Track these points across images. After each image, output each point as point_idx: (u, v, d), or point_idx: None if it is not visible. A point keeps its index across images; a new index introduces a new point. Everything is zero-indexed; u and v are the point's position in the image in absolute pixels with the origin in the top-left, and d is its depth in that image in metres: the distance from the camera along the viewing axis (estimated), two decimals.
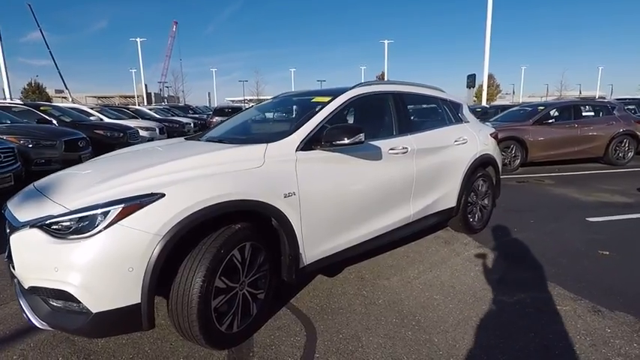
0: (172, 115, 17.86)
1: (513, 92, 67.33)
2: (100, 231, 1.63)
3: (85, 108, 11.79)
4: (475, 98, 25.66)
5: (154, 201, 1.72)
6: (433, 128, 3.38)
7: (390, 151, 2.78)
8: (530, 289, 2.63)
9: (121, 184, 1.81)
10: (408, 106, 3.25)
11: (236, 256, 1.96)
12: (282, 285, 2.30)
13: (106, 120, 11.25)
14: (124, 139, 9.07)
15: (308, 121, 2.43)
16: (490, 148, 3.82)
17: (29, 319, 1.75)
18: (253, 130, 3.10)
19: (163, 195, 1.75)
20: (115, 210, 1.67)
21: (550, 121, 7.83)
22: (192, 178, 1.89)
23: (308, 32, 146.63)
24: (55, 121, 8.67)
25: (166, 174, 1.90)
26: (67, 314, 1.70)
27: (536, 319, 2.26)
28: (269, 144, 2.23)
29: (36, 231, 1.69)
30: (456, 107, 3.73)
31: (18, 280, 1.84)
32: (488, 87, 23.07)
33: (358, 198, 2.54)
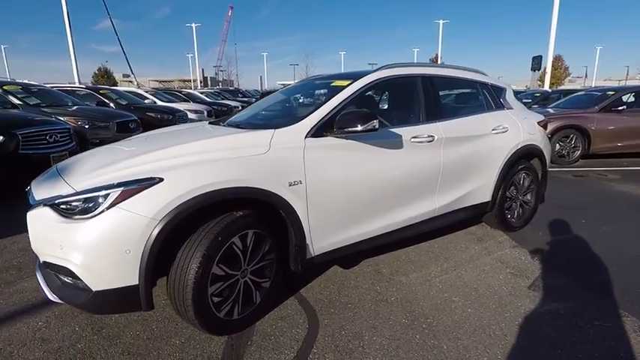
0: (222, 99, 18.46)
1: (585, 75, 60.92)
2: (100, 213, 1.67)
3: (140, 91, 12.52)
4: (539, 82, 23.54)
5: (152, 185, 1.72)
6: (467, 115, 3.09)
7: (413, 140, 2.58)
8: (566, 299, 2.34)
9: (125, 168, 1.84)
10: (440, 91, 2.99)
11: (236, 243, 1.92)
12: (293, 275, 2.25)
13: (159, 103, 11.88)
14: (172, 121, 9.52)
15: (321, 106, 2.31)
16: (537, 137, 3.43)
17: (43, 291, 1.87)
18: (270, 115, 3.04)
19: (162, 180, 1.75)
20: (115, 193, 1.70)
21: (621, 108, 6.91)
22: (193, 163, 1.87)
23: (360, 14, 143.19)
24: (112, 104, 9.31)
25: (169, 158, 1.89)
26: (73, 289, 1.78)
27: (568, 335, 2.00)
28: (276, 130, 2.14)
29: (47, 209, 1.78)
30: (497, 92, 3.38)
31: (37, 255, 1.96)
32: (554, 69, 21.03)
33: (373, 189, 2.40)
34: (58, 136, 5.19)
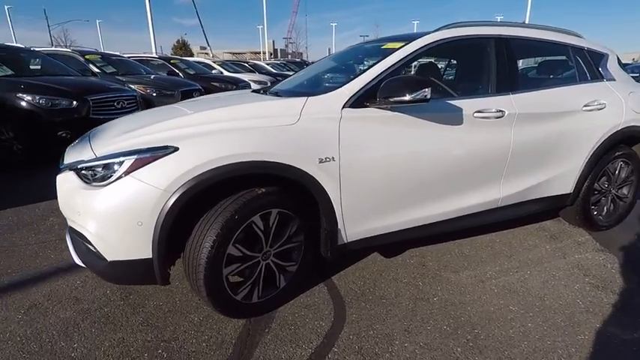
0: (287, 70, 18.44)
1: None
2: (113, 181, 1.59)
3: (208, 62, 12.90)
4: None
5: (165, 155, 1.59)
6: (552, 87, 2.52)
7: (477, 115, 2.14)
8: None
9: (144, 134, 1.73)
10: (518, 56, 2.46)
11: (257, 223, 1.75)
12: (325, 260, 2.04)
13: (225, 73, 12.15)
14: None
15: (364, 72, 1.98)
16: None
17: (71, 254, 1.88)
18: (311, 83, 2.76)
19: (177, 149, 1.61)
20: (129, 161, 1.59)
21: None
22: (212, 132, 1.70)
23: None
24: (181, 74, 9.69)
25: (188, 126, 1.74)
26: (94, 256, 1.75)
27: None
28: (309, 98, 1.88)
29: (71, 174, 1.74)
30: (595, 59, 2.71)
31: None
32: None
33: (421, 171, 2.05)
34: (125, 102, 5.46)
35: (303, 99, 1.87)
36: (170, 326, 1.83)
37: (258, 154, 1.67)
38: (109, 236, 1.61)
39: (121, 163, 1.60)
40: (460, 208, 2.24)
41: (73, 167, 1.74)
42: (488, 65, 2.31)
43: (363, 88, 1.92)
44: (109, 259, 1.63)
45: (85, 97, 4.99)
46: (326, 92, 1.92)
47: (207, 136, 1.67)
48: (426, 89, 1.79)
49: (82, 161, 1.72)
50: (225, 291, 1.71)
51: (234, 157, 1.63)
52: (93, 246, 1.66)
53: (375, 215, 2.02)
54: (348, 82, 1.94)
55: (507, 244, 2.69)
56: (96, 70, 7.17)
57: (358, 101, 1.90)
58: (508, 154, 2.27)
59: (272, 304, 1.94)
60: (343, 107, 1.88)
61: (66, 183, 1.77)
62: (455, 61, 2.48)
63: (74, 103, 4.86)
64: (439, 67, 2.71)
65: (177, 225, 1.65)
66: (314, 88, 2.58)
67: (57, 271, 2.33)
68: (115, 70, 7.54)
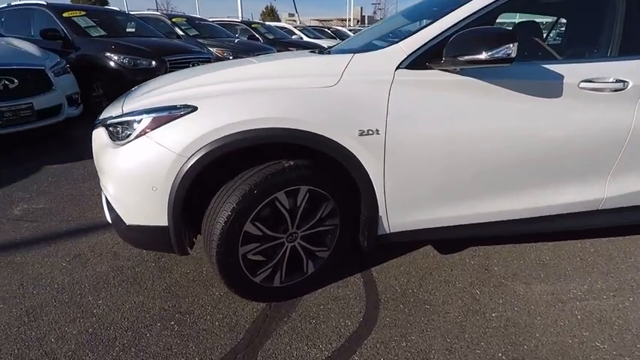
0: None
1: None
2: (131, 140, 1.48)
3: (289, 27, 12.77)
4: None
5: (182, 115, 1.42)
6: None
7: (585, 85, 1.60)
8: None
9: (170, 91, 1.59)
10: None
11: (281, 200, 1.52)
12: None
13: (305, 39, 11.94)
14: None
15: (430, 25, 1.56)
16: None
17: (103, 211, 1.87)
18: (371, 40, 2.35)
19: (195, 109, 1.42)
20: (147, 119, 1.46)
21: None
22: (237, 92, 1.48)
23: None
24: (260, 38, 9.72)
25: (214, 84, 1.55)
26: (117, 217, 1.70)
27: None
28: (355, 55, 1.54)
29: (102, 130, 1.68)
30: None
31: None
32: None
33: (495, 155, 1.61)
34: (199, 63, 5.57)
35: (347, 56, 1.54)
36: (189, 297, 1.75)
37: (285, 121, 1.42)
38: (125, 199, 1.53)
39: (139, 122, 1.48)
40: (543, 207, 1.75)
41: (103, 123, 1.68)
42: (606, 17, 1.70)
43: (426, 44, 1.52)
44: (127, 222, 1.56)
45: (163, 57, 5.19)
46: (375, 49, 1.56)
47: (230, 96, 1.46)
48: (511, 45, 1.33)
49: (110, 117, 1.64)
50: (241, 270, 1.55)
51: (257, 122, 1.40)
52: (113, 207, 1.60)
53: (427, 204, 1.66)
54: (405, 38, 1.55)
55: (605, 256, 2.11)
56: (180, 32, 7.46)
57: (418, 61, 1.51)
58: (624, 141, 1.69)
59: (296, 290, 1.74)
60: (397, 68, 1.51)
61: (97, 139, 1.72)
62: (553, 13, 1.88)
63: (153, 63, 5.08)
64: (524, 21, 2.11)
65: (194, 194, 1.50)
66: (369, 46, 2.20)
67: (107, 224, 2.41)
68: (197, 33, 7.78)
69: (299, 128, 1.43)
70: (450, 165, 1.60)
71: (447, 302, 1.73)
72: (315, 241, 1.71)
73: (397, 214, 1.65)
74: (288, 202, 1.54)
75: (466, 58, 1.39)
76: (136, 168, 1.45)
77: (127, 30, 6.26)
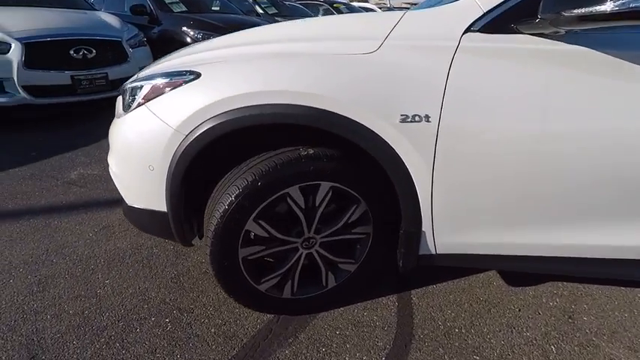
0: None
1: None
2: (132, 110, 1.29)
3: (371, 6, 12.17)
4: None
5: (183, 83, 1.18)
6: None
7: None
8: None
9: (186, 55, 1.36)
10: None
11: (295, 197, 1.22)
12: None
13: None
14: None
15: None
16: None
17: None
18: None
19: (198, 76, 1.17)
20: (147, 87, 1.26)
21: None
22: (251, 56, 1.19)
23: None
24: None
25: (227, 46, 1.28)
26: None
27: None
28: (408, 12, 1.14)
29: (120, 97, 1.54)
30: None
31: None
32: None
33: (609, 167, 1.10)
34: None
35: (397, 14, 1.15)
36: (195, 292, 1.56)
37: (303, 97, 1.10)
38: (123, 177, 1.36)
39: (141, 88, 1.28)
40: None
41: (122, 89, 1.53)
42: None
43: None
44: (127, 202, 1.39)
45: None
46: (431, 5, 1.14)
47: (241, 62, 1.18)
48: None
49: (126, 84, 1.48)
50: (240, 275, 1.29)
51: (268, 96, 1.10)
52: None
53: (490, 223, 1.22)
54: None
55: None
56: (260, 10, 7.44)
57: (498, 21, 1.06)
58: None
59: (311, 306, 1.44)
60: (467, 31, 1.08)
61: (117, 107, 1.58)
62: None
63: None
64: None
65: (197, 179, 1.27)
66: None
67: None
68: (276, 11, 7.71)
69: (324, 108, 1.09)
70: (533, 173, 1.13)
71: (506, 356, 1.29)
72: (338, 250, 1.39)
73: (447, 232, 1.24)
74: (303, 201, 1.23)
75: (578, 12, 0.91)
76: (132, 143, 1.26)
77: (213, 8, 6.37)
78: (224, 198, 1.17)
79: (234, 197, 1.15)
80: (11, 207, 2.23)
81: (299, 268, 1.36)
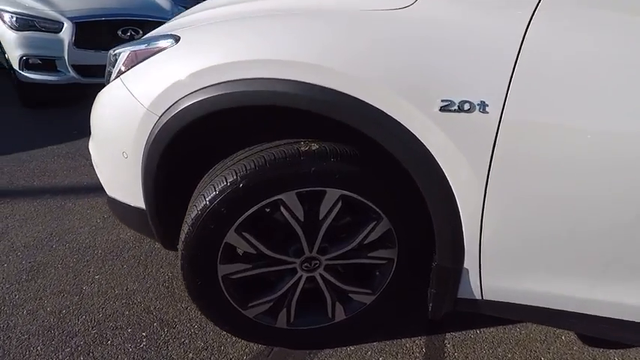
0: None
1: None
2: (109, 83, 1.07)
3: None
4: None
5: (160, 50, 0.93)
6: None
7: None
8: None
9: (183, 15, 1.11)
10: None
11: (290, 205, 0.92)
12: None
13: None
14: None
15: None
16: None
17: None
18: None
19: (177, 40, 0.91)
20: (124, 54, 1.02)
21: None
22: (244, 14, 0.90)
23: None
24: None
25: (223, 4, 1.00)
26: None
27: None
28: None
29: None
30: None
31: None
32: None
33: None
34: None
35: None
36: (183, 302, 1.34)
37: (305, 70, 0.79)
38: (99, 162, 1.16)
39: (118, 55, 1.05)
40: None
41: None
42: None
43: None
44: (107, 191, 1.19)
45: None
46: None
47: (227, 23, 0.89)
48: None
49: (111, 51, 1.27)
50: (220, 296, 1.02)
51: (254, 68, 0.81)
52: None
53: (578, 265, 0.83)
54: None
55: None
56: None
57: None
58: None
59: (312, 340, 1.15)
60: None
61: None
62: None
63: None
64: None
65: (182, 171, 1.03)
66: None
67: None
68: None
69: (327, 86, 0.78)
70: None
71: None
72: (350, 276, 1.07)
73: (501, 272, 0.87)
74: (302, 212, 0.93)
75: None
76: (106, 123, 1.05)
77: None
78: (198, 201, 0.91)
79: (209, 201, 0.88)
80: (36, 184, 2.20)
81: (297, 293, 1.06)
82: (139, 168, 1.00)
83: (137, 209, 1.09)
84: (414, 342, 1.19)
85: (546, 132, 0.72)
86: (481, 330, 1.23)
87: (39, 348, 1.15)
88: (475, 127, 0.73)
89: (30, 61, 3.32)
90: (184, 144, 0.96)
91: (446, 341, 1.19)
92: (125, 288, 1.40)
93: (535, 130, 0.71)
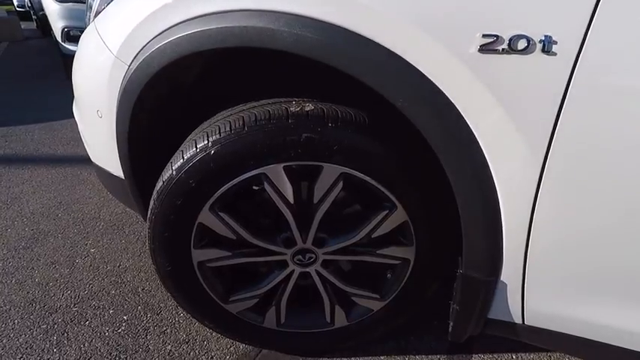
0: None
1: None
2: (86, 31, 0.93)
3: None
4: None
5: None
6: None
7: None
8: None
9: None
10: None
11: (274, 181, 0.73)
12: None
13: None
14: None
15: None
16: None
17: None
18: None
19: None
20: None
21: None
22: None
23: None
24: None
25: None
26: None
27: None
28: None
29: None
30: None
31: None
32: None
33: None
34: None
35: None
36: (167, 319, 1.20)
37: (312, 5, 0.58)
38: (80, 124, 1.03)
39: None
40: None
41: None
42: None
43: None
44: (92, 159, 1.07)
45: None
46: None
47: None
48: None
49: None
50: (196, 286, 0.86)
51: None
52: None
53: None
54: None
55: None
56: None
57: None
58: None
59: (306, 346, 0.97)
60: None
61: None
62: None
63: None
64: None
65: (160, 137, 0.88)
66: None
67: None
68: None
69: (334, 23, 0.57)
70: None
71: None
72: (353, 275, 0.87)
73: (551, 291, 0.63)
74: (291, 190, 0.74)
75: None
76: (79, 77, 0.91)
77: None
78: (165, 170, 0.75)
79: (175, 170, 0.71)
80: (59, 153, 2.19)
81: (287, 290, 0.88)
82: (113, 130, 0.86)
83: (118, 178, 0.95)
84: (433, 356, 0.97)
85: None
86: (517, 354, 0.98)
87: (16, 322, 1.07)
88: (533, 77, 0.49)
89: (71, 32, 3.36)
90: (160, 99, 0.80)
91: (473, 357, 0.96)
92: (118, 265, 1.30)
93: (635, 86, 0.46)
